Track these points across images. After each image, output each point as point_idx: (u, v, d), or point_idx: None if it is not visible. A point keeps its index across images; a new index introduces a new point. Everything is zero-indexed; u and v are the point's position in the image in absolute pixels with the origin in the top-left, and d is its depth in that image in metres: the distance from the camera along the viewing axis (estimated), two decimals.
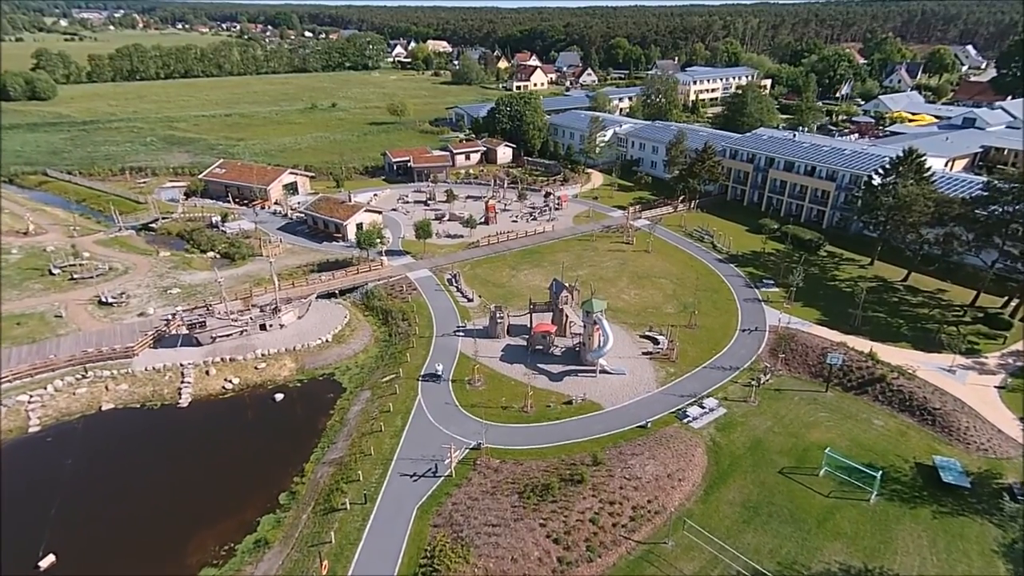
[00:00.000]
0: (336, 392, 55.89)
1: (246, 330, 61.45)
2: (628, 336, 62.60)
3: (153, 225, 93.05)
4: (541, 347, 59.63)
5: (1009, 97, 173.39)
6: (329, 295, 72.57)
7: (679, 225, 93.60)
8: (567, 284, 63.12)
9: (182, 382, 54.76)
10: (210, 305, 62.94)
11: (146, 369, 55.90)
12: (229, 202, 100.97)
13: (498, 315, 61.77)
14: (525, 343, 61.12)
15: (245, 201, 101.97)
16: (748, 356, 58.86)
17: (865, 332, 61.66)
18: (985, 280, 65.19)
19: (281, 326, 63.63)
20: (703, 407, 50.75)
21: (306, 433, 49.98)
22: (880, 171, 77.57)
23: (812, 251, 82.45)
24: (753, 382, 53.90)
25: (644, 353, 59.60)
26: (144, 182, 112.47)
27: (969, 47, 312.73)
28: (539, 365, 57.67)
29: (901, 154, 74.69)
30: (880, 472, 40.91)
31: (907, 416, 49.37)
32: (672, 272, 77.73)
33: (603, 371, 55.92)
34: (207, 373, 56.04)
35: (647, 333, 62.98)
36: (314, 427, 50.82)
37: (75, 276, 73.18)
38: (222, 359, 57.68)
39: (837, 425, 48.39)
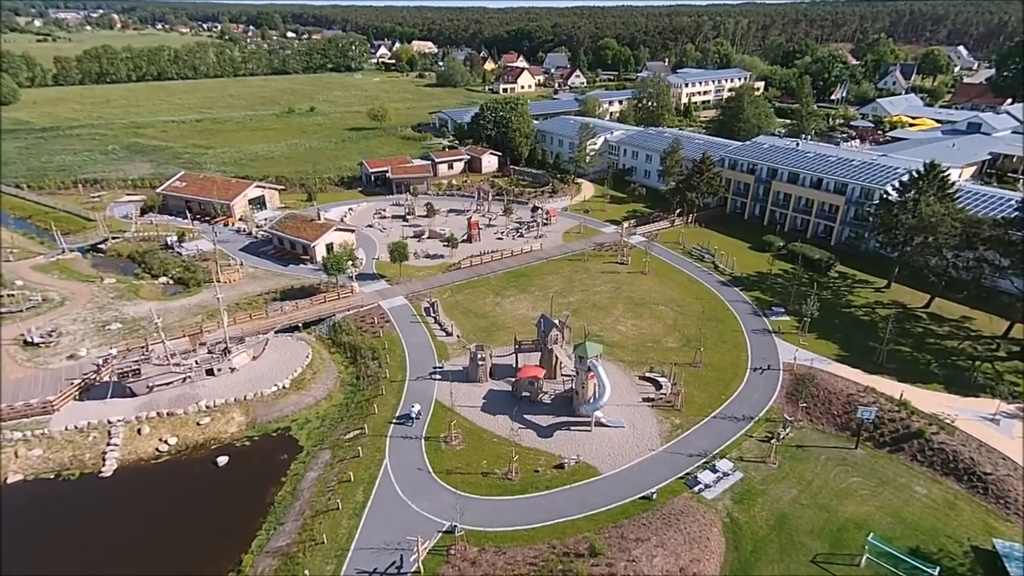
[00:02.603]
0: (291, 452, 48.17)
1: (190, 377, 53.54)
2: (626, 378, 55.44)
3: (102, 246, 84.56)
4: (528, 394, 52.32)
5: (1010, 100, 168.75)
6: (292, 328, 64.86)
7: (676, 242, 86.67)
8: (557, 320, 55.80)
9: (108, 444, 46.82)
10: (147, 347, 54.88)
11: (67, 428, 47.82)
12: (191, 219, 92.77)
13: (479, 356, 54.35)
14: (510, 388, 53.79)
15: (207, 218, 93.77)
16: (763, 402, 51.90)
17: (891, 371, 54.98)
18: (1023, 309, 58.69)
19: (232, 370, 55.78)
20: (716, 470, 43.69)
21: (250, 509, 42.24)
22: (897, 186, 70.98)
23: (822, 272, 75.88)
24: (771, 437, 46.94)
25: (645, 399, 52.45)
26: (98, 196, 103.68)
27: (960, 48, 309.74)
28: (526, 416, 50.33)
29: (921, 169, 68.12)
30: (937, 570, 33.95)
31: (953, 481, 42.57)
32: (672, 298, 70.73)
33: (599, 424, 48.73)
34: (139, 432, 48.10)
35: (647, 374, 55.85)
36: (260, 501, 43.08)
37: (1, 310, 64.80)
38: (158, 414, 49.72)
39: (874, 494, 41.48)
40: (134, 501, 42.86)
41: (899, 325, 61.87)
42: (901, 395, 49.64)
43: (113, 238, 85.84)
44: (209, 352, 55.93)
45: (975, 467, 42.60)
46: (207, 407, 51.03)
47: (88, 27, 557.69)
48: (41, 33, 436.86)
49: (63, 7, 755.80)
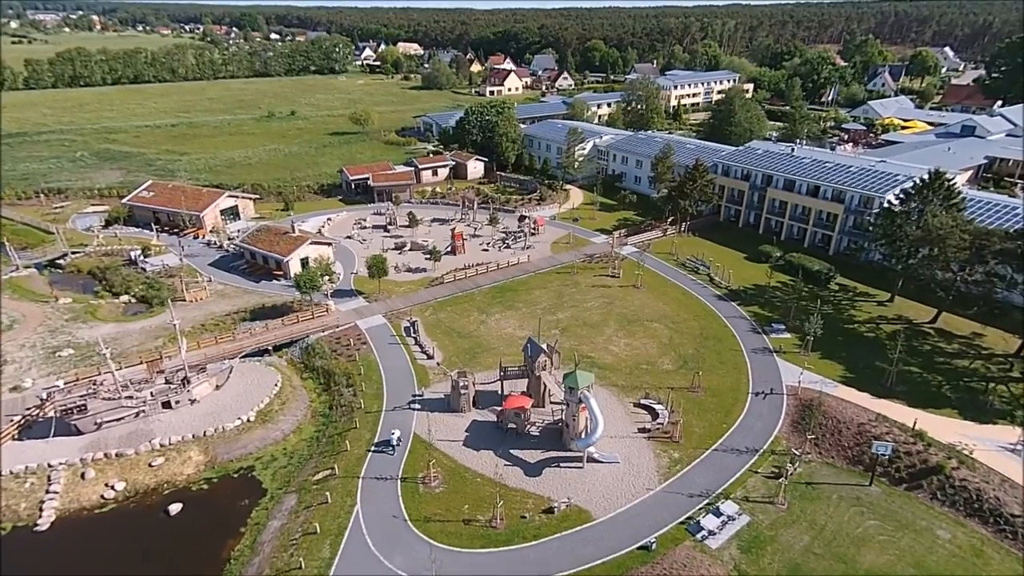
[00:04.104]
0: (253, 496, 43.67)
1: (143, 411, 48.86)
2: (620, 405, 51.55)
3: (61, 261, 79.44)
4: (514, 426, 48.23)
5: (999, 102, 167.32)
6: (261, 352, 60.31)
7: (669, 252, 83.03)
8: (545, 344, 51.77)
9: (47, 492, 42.09)
10: (96, 379, 50.09)
11: (0, 474, 43.05)
12: (161, 231, 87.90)
13: (462, 384, 50.18)
14: (495, 419, 49.68)
15: (176, 230, 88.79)
16: (767, 431, 48.21)
17: (901, 395, 51.55)
18: None
19: (192, 401, 51.14)
20: (720, 514, 39.81)
21: (203, 568, 37.69)
22: (900, 195, 67.75)
23: (821, 284, 72.57)
24: (778, 473, 43.13)
25: (640, 430, 48.57)
26: (61, 207, 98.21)
27: (946, 49, 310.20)
28: (512, 451, 46.26)
29: (925, 176, 64.94)
30: None
31: (978, 524, 39.02)
32: (666, 314, 66.97)
33: (591, 460, 44.79)
34: (83, 476, 43.40)
35: (643, 401, 51.97)
36: (215, 557, 38.57)
37: None
38: (106, 455, 45.02)
39: (893, 540, 37.81)
40: (71, 559, 38.14)
41: (906, 343, 58.50)
42: (915, 424, 46.15)
43: (73, 253, 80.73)
44: (167, 382, 51.22)
45: (1001, 507, 39.09)
46: (161, 445, 46.39)
47: (66, 29, 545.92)
48: (17, 35, 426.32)
49: (42, 9, 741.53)
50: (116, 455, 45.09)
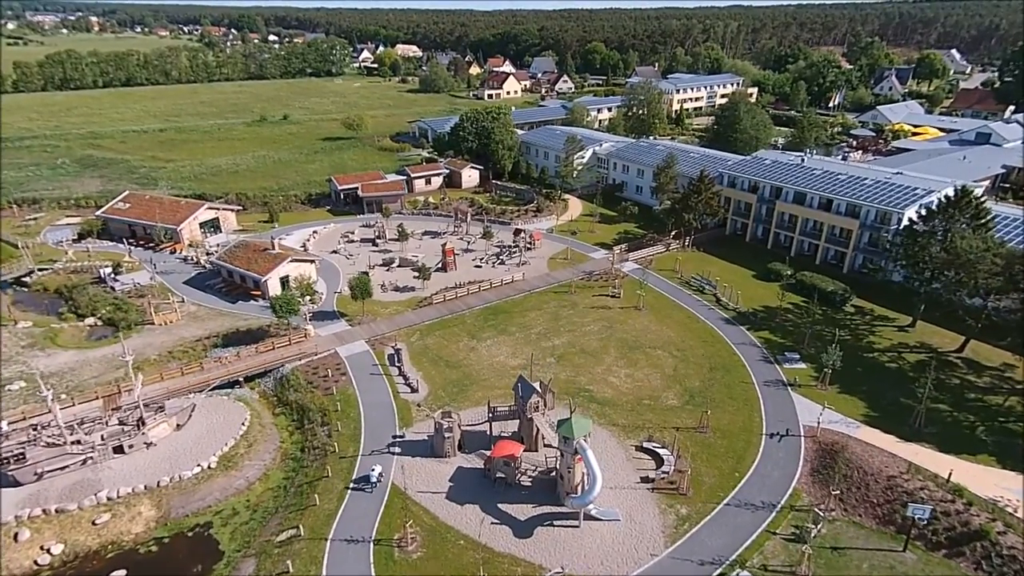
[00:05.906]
0: (207, 560, 38.78)
1: (92, 457, 44.06)
2: (620, 449, 46.72)
3: (27, 279, 74.72)
4: (503, 476, 43.38)
5: (1011, 107, 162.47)
6: (231, 384, 55.52)
7: (673, 269, 78.18)
8: (538, 383, 46.86)
9: None
10: (38, 423, 45.23)
11: None
12: (137, 245, 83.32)
13: (446, 426, 45.36)
14: (482, 466, 44.86)
15: (152, 244, 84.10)
16: (784, 482, 43.34)
17: (931, 437, 46.71)
18: None
19: (148, 445, 46.34)
20: None
21: None
22: (922, 212, 62.90)
23: (837, 307, 67.73)
24: (799, 535, 38.22)
25: (643, 479, 43.75)
26: (34, 219, 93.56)
27: (953, 51, 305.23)
28: (499, 506, 41.41)
29: (951, 194, 60.08)
30: None
31: None
32: (671, 340, 62.13)
33: (589, 517, 39.95)
34: (15, 538, 38.58)
35: (646, 444, 47.13)
36: None
37: None
38: (44, 511, 40.21)
39: None
40: None
41: (933, 375, 53.61)
42: (950, 475, 41.28)
43: (40, 270, 75.96)
44: (120, 423, 46.45)
45: None
46: (109, 499, 41.57)
47: (64, 30, 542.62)
48: (13, 36, 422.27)
49: (41, 10, 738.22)
50: (56, 511, 40.29)
